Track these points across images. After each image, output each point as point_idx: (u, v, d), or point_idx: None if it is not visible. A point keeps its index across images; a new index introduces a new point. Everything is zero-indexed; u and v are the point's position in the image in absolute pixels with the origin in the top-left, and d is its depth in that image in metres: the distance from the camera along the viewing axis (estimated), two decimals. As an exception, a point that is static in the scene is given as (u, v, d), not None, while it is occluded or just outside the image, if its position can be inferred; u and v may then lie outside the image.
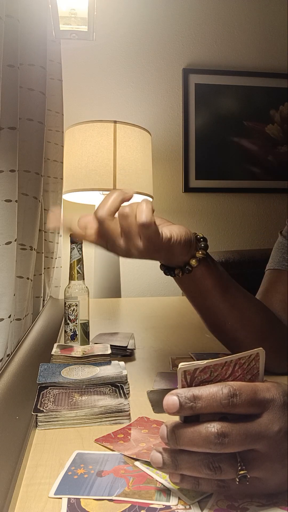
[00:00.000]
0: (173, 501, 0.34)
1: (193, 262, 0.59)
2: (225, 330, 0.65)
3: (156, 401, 0.56)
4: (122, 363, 0.64)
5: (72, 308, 0.79)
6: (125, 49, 2.20)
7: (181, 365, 0.33)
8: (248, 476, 0.31)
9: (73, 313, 0.79)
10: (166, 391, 0.59)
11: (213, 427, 0.31)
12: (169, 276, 0.64)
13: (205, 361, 0.33)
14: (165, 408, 0.33)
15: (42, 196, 1.16)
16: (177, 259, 0.59)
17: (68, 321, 0.79)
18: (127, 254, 0.56)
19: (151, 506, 0.34)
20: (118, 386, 0.56)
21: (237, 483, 0.31)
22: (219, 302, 0.62)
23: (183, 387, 0.34)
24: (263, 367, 0.35)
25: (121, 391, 0.55)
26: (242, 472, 0.31)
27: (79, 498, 0.35)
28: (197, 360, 0.75)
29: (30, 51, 0.94)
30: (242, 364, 0.34)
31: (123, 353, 0.78)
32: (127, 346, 0.79)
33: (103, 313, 1.27)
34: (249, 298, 0.67)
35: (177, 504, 0.34)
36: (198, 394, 0.32)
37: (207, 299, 0.63)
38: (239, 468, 0.31)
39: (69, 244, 0.79)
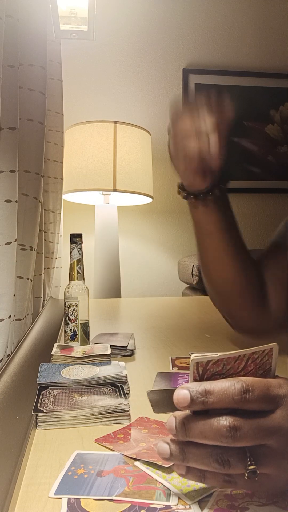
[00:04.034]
0: (173, 501, 0.34)
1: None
2: (218, 280, 0.75)
3: (156, 401, 0.56)
4: (122, 363, 0.64)
5: (72, 308, 0.79)
6: (125, 49, 2.20)
7: (193, 356, 0.33)
8: (258, 472, 0.31)
9: (73, 313, 0.79)
10: (166, 391, 0.59)
11: (225, 420, 0.31)
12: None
13: (219, 354, 0.33)
14: (175, 402, 0.32)
15: (42, 196, 1.16)
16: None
17: (68, 321, 0.79)
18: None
19: (151, 506, 0.34)
20: (118, 386, 0.56)
21: (246, 478, 0.31)
22: (224, 244, 0.73)
23: (194, 378, 0.33)
24: (276, 362, 0.34)
25: (121, 391, 0.55)
26: (251, 467, 0.30)
27: (79, 498, 0.35)
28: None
29: (30, 51, 0.94)
30: (256, 358, 0.33)
31: (123, 353, 0.78)
32: (127, 346, 0.79)
33: (103, 313, 1.27)
34: (247, 257, 0.77)
35: (177, 504, 0.34)
36: (210, 389, 0.32)
37: (215, 237, 0.72)
38: (249, 463, 0.31)
39: (69, 244, 0.79)
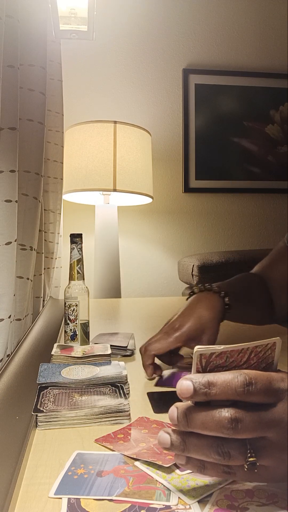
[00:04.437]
0: (173, 501, 0.34)
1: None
2: None
3: (156, 401, 0.56)
4: (122, 363, 0.64)
5: (72, 308, 0.79)
6: (125, 49, 2.20)
7: (197, 348, 0.33)
8: (257, 464, 0.31)
9: (73, 313, 0.79)
10: (166, 392, 0.59)
11: (227, 412, 0.31)
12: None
13: (222, 346, 0.33)
14: (178, 392, 0.32)
15: (42, 196, 1.16)
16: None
17: (68, 321, 0.79)
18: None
19: (151, 506, 0.34)
20: (118, 386, 0.56)
21: (245, 470, 0.31)
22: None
23: (197, 370, 0.33)
24: (278, 356, 0.34)
25: (121, 391, 0.55)
26: (251, 459, 0.31)
27: (79, 498, 0.35)
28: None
29: (30, 52, 0.94)
30: (258, 352, 0.33)
31: (123, 353, 0.78)
32: (127, 346, 0.79)
33: (103, 313, 1.27)
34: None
35: (177, 504, 0.34)
36: (213, 381, 0.32)
37: None
38: (249, 455, 0.31)
39: (69, 244, 0.79)
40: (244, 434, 0.31)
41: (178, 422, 0.33)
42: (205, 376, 0.32)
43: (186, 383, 0.32)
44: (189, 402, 0.33)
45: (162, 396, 0.58)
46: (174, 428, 0.34)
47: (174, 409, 0.33)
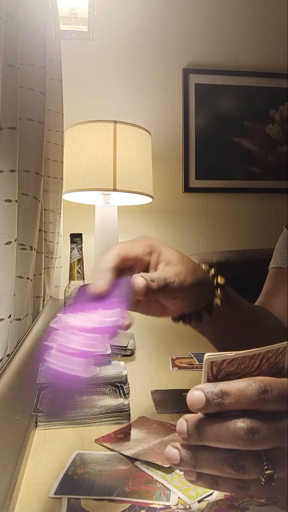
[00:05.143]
0: (173, 501, 0.34)
1: (217, 301, 0.53)
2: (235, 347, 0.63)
3: (160, 401, 0.56)
4: (122, 363, 0.64)
5: (72, 308, 0.79)
6: (125, 49, 2.20)
7: (207, 355, 0.31)
8: (275, 476, 0.29)
9: (73, 313, 0.79)
10: (169, 392, 0.59)
11: (243, 422, 0.29)
12: None
13: (233, 353, 0.31)
14: (189, 404, 0.30)
15: (42, 196, 1.16)
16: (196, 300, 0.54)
17: (68, 321, 0.79)
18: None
19: (151, 506, 0.34)
20: (118, 386, 0.56)
21: (263, 483, 0.29)
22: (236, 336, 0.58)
23: (208, 379, 0.31)
24: None
25: (121, 391, 0.55)
26: (268, 471, 0.29)
27: (79, 498, 0.35)
28: (197, 360, 0.75)
29: (30, 51, 0.94)
30: (270, 357, 0.32)
31: (123, 353, 0.78)
32: (127, 346, 0.79)
33: (103, 313, 1.27)
34: (260, 317, 0.63)
35: (177, 504, 0.34)
36: (227, 390, 0.30)
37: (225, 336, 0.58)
38: (265, 467, 0.29)
39: (69, 244, 0.79)
40: (261, 445, 0.29)
41: (189, 435, 0.30)
42: (217, 385, 0.30)
43: (197, 394, 0.30)
44: (199, 414, 0.31)
45: (166, 396, 0.58)
46: (182, 442, 0.31)
47: (183, 422, 0.31)
